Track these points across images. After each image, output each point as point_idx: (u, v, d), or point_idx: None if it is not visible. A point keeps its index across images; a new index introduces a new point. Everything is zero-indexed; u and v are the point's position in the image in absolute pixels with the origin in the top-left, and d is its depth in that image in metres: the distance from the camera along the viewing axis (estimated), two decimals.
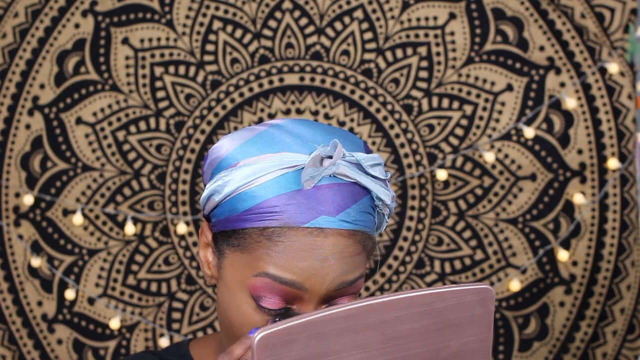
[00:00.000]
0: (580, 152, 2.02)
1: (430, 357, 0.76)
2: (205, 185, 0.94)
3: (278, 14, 2.02)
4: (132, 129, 2.02)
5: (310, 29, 2.02)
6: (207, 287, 2.03)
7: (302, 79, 2.02)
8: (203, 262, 0.95)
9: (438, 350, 0.76)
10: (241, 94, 2.02)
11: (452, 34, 2.01)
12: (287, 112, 2.02)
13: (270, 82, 2.02)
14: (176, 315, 2.04)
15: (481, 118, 2.02)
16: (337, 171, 0.87)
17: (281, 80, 2.02)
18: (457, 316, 0.76)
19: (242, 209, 0.88)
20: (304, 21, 2.02)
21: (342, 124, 2.02)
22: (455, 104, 2.02)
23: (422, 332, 0.75)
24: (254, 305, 0.88)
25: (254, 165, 0.88)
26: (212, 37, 2.02)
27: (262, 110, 2.02)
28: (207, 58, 2.02)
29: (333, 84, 2.02)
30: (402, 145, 2.02)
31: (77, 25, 2.02)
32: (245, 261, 0.88)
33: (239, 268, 0.89)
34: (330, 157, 0.88)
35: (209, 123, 2.02)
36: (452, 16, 2.01)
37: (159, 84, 2.02)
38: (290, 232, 0.86)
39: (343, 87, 2.02)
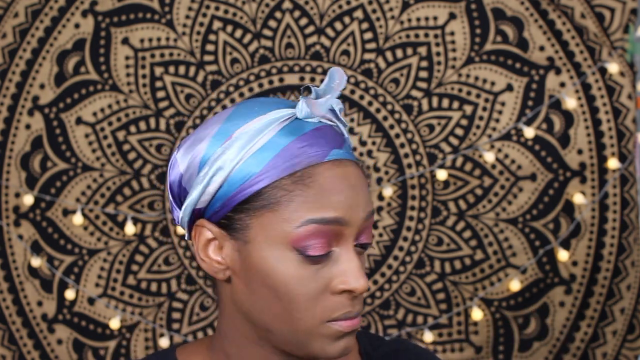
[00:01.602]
0: (580, 152, 2.02)
1: None
2: (177, 197, 0.93)
3: (278, 14, 2.02)
4: (132, 129, 2.02)
5: (310, 29, 2.02)
6: (207, 287, 2.03)
7: (302, 79, 2.02)
8: (208, 261, 0.92)
9: None
10: (241, 94, 2.02)
11: (452, 34, 2.01)
12: None
13: (270, 82, 2.02)
14: (176, 315, 2.04)
15: (481, 118, 2.02)
16: (316, 114, 0.91)
17: (281, 80, 2.02)
18: None
19: (257, 170, 0.88)
20: (304, 21, 2.02)
21: None
22: (455, 104, 2.02)
23: None
24: (298, 260, 0.87)
25: (250, 129, 0.89)
26: (212, 37, 2.02)
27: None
28: (207, 58, 2.02)
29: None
30: (402, 145, 2.02)
31: (77, 25, 2.02)
32: (279, 218, 0.87)
33: (275, 227, 0.88)
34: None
35: None
36: (452, 16, 2.01)
37: (159, 84, 2.02)
38: (316, 169, 0.88)
39: (343, 87, 2.02)
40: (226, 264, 0.91)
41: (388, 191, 2.00)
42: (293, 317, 0.88)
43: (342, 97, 2.02)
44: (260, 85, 2.02)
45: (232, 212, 0.89)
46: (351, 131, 2.00)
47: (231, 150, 0.88)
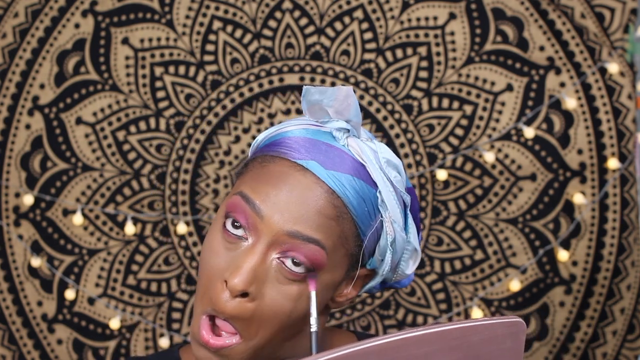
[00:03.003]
0: (580, 152, 2.02)
1: None
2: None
3: (278, 14, 2.02)
4: (132, 129, 2.02)
5: (310, 29, 2.02)
6: None
7: (302, 79, 2.02)
8: None
9: None
10: (241, 94, 2.02)
11: (452, 34, 2.01)
12: (287, 112, 2.02)
13: (270, 82, 2.02)
14: (176, 315, 2.04)
15: (481, 118, 2.02)
16: (351, 144, 0.90)
17: (281, 80, 2.02)
18: (487, 350, 0.75)
19: (261, 146, 0.95)
20: (304, 21, 2.02)
21: None
22: (455, 104, 2.02)
23: None
24: (221, 229, 0.89)
25: (291, 122, 0.94)
26: (212, 37, 2.02)
27: (262, 110, 2.02)
28: (207, 58, 2.02)
29: (333, 84, 2.02)
30: (402, 145, 2.02)
31: (77, 25, 2.02)
32: (235, 185, 0.92)
33: (230, 194, 0.92)
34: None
35: (209, 123, 2.02)
36: (452, 16, 2.01)
37: (159, 84, 2.02)
38: (279, 161, 0.90)
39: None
40: None
41: None
42: (196, 293, 0.91)
43: None
44: (260, 85, 2.02)
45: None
46: None
47: (265, 132, 0.96)
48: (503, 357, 0.77)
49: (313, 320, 0.84)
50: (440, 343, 0.73)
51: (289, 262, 0.86)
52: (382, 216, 0.91)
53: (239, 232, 0.88)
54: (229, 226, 0.88)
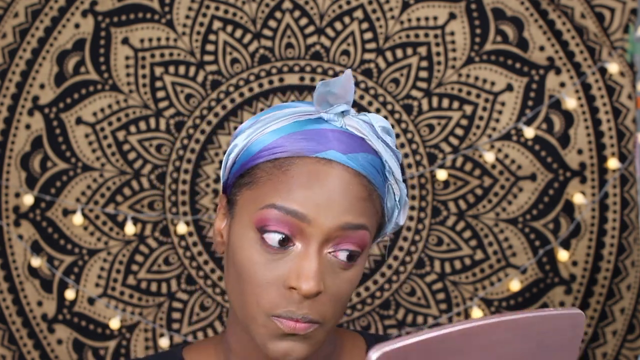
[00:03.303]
0: (580, 152, 2.02)
1: None
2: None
3: (278, 14, 2.02)
4: (132, 129, 2.02)
5: (310, 29, 2.02)
6: (207, 287, 2.03)
7: (302, 79, 2.02)
8: (217, 233, 0.96)
9: None
10: (241, 94, 2.02)
11: (452, 34, 2.01)
12: None
13: (270, 82, 2.02)
14: (176, 315, 2.04)
15: (481, 118, 2.02)
16: (348, 124, 0.91)
17: (281, 80, 2.02)
18: (552, 341, 0.76)
19: (257, 149, 0.90)
20: (304, 21, 2.02)
21: None
22: (455, 104, 2.02)
23: (520, 356, 0.75)
24: (258, 244, 0.88)
25: (273, 115, 0.92)
26: (212, 37, 2.02)
27: (262, 110, 2.02)
28: (207, 58, 2.02)
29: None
30: (402, 145, 2.02)
31: (77, 25, 2.02)
32: (254, 197, 0.89)
33: (247, 206, 0.90)
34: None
35: (209, 123, 2.02)
36: (452, 16, 2.01)
37: (159, 84, 2.02)
38: (298, 160, 0.88)
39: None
40: (223, 238, 0.95)
41: None
42: (245, 301, 0.89)
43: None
44: (260, 85, 2.02)
45: (233, 187, 0.93)
46: None
47: (249, 130, 0.92)
48: (564, 347, 0.77)
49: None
50: (508, 333, 0.74)
51: (341, 255, 0.89)
52: (389, 180, 0.94)
53: (283, 243, 0.88)
54: (271, 242, 0.87)
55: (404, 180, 0.96)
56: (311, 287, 0.86)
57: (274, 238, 0.87)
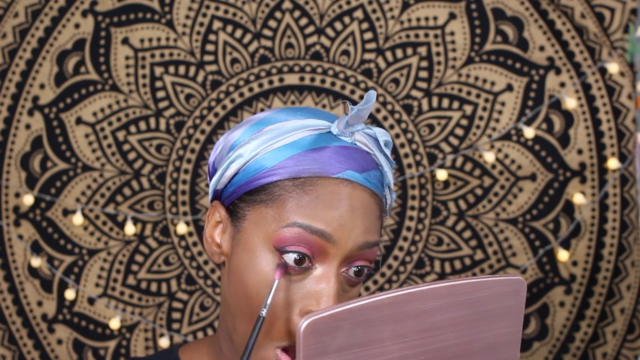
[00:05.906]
0: (580, 152, 2.02)
1: (463, 349, 0.76)
2: (211, 175, 0.97)
3: (278, 14, 2.02)
4: (132, 129, 2.02)
5: (310, 29, 2.02)
6: (207, 287, 2.03)
7: (302, 79, 2.02)
8: (210, 241, 0.94)
9: (471, 343, 0.76)
10: (241, 94, 2.02)
11: (452, 34, 2.01)
12: None
13: (270, 82, 2.02)
14: (176, 315, 2.04)
15: (481, 118, 2.02)
16: (357, 139, 0.91)
17: (281, 80, 2.02)
18: (491, 307, 0.76)
19: (270, 165, 0.89)
20: (304, 21, 2.02)
21: None
22: (455, 104, 2.02)
23: (457, 322, 0.75)
24: (275, 263, 0.86)
25: (281, 128, 0.90)
26: (212, 37, 2.02)
27: (262, 110, 2.02)
28: (207, 58, 2.02)
29: (333, 84, 2.02)
30: (402, 145, 2.02)
31: (77, 25, 2.02)
32: (272, 214, 0.88)
33: (264, 223, 0.88)
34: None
35: (209, 123, 2.02)
36: (452, 16, 2.01)
37: (159, 84, 2.02)
38: (322, 181, 0.88)
39: (343, 87, 2.02)
40: (222, 249, 0.93)
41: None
42: (251, 324, 0.87)
43: (342, 97, 2.02)
44: (260, 85, 2.02)
45: (238, 200, 0.91)
46: None
47: (255, 142, 0.90)
48: (505, 314, 0.78)
49: (265, 308, 0.84)
50: (446, 298, 0.74)
51: (352, 272, 0.89)
52: (385, 190, 0.95)
53: (300, 262, 0.86)
54: (291, 262, 0.86)
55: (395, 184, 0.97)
56: None
57: (291, 257, 0.86)
